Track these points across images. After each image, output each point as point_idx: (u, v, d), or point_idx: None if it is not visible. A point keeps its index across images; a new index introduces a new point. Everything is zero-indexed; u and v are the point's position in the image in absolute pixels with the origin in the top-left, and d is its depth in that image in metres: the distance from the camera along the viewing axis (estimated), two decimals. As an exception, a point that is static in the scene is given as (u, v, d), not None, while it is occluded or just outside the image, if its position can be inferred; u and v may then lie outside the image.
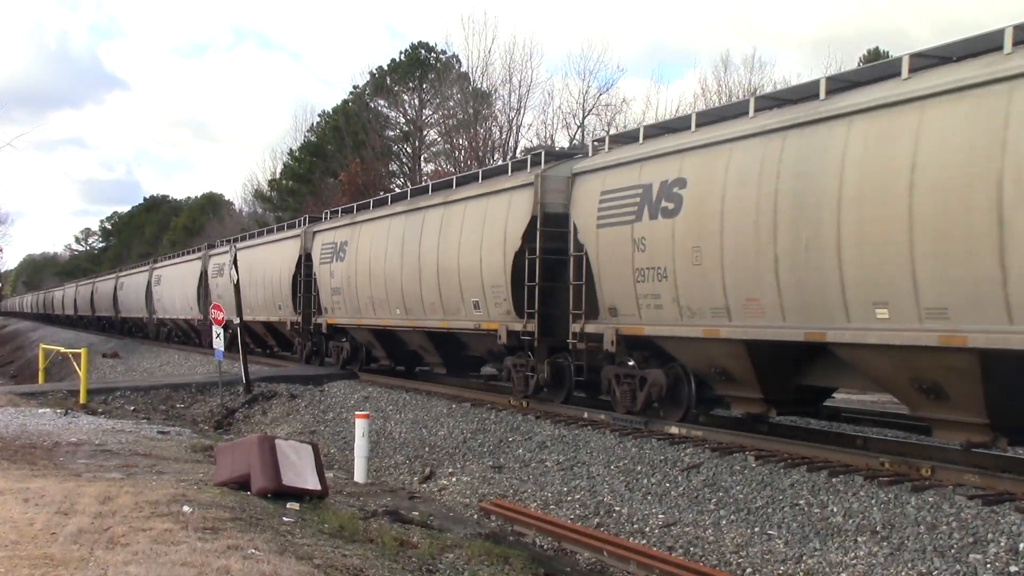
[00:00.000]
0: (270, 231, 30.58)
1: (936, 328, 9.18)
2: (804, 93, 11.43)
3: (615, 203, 13.55)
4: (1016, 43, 8.88)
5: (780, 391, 12.02)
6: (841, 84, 10.86)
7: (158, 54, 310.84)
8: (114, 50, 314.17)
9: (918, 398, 10.07)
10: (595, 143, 15.83)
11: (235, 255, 23.39)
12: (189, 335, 38.05)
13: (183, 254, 41.40)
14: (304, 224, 26.68)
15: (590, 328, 14.28)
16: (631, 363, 13.91)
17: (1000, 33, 9.06)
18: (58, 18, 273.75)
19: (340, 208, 26.03)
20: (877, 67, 10.84)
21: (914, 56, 9.98)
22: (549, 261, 15.28)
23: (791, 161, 10.75)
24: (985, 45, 9.41)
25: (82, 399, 19.05)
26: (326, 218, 25.56)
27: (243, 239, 33.02)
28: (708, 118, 12.85)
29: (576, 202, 14.65)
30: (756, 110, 11.81)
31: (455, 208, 17.99)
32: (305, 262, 25.23)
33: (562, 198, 15.01)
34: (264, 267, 27.81)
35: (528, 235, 15.41)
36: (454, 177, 20.55)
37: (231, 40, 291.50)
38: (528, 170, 16.14)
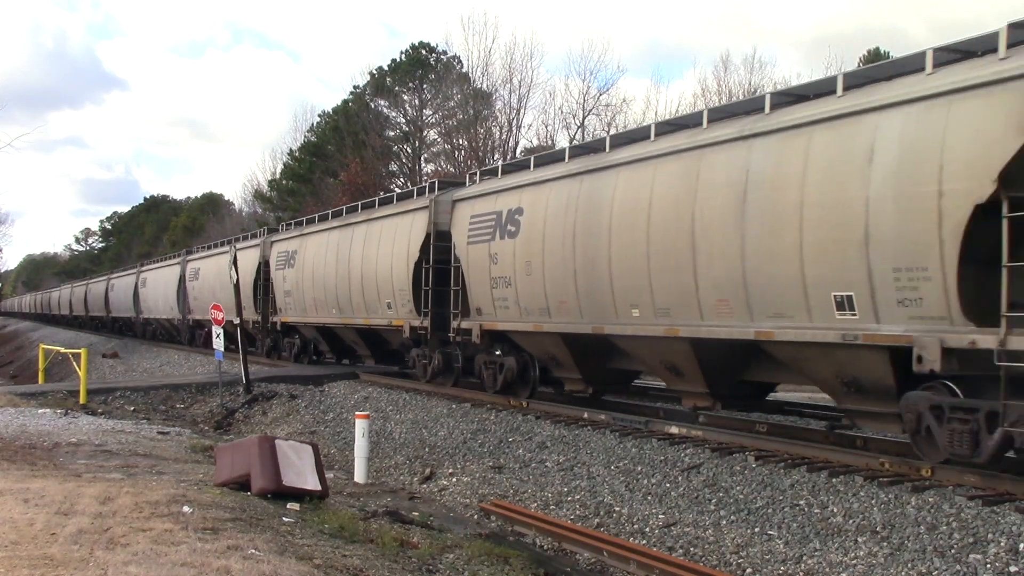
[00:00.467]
0: (237, 240, 34.00)
1: (663, 323, 12.72)
2: (599, 146, 15.05)
3: (479, 225, 17.10)
4: (774, 106, 11.58)
5: (595, 374, 15.44)
6: (621, 140, 14.53)
7: (156, 54, 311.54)
8: (113, 50, 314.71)
9: (668, 376, 13.66)
10: (470, 175, 19.44)
11: (235, 255, 23.56)
12: (171, 333, 41.01)
13: (165, 259, 44.69)
14: (264, 235, 30.14)
15: (465, 324, 17.62)
16: (497, 352, 17.09)
17: (762, 97, 12.23)
18: (56, 18, 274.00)
19: (293, 221, 30.20)
20: (640, 129, 14.70)
21: (660, 124, 14.00)
22: (441, 270, 18.47)
23: (584, 198, 14.20)
24: (751, 106, 12.53)
25: (82, 399, 19.05)
26: (282, 230, 29.41)
27: (214, 246, 36.53)
28: (542, 160, 16.58)
29: (455, 223, 17.91)
30: (570, 156, 15.38)
31: (375, 225, 21.65)
32: (264, 268, 28.77)
33: (448, 219, 18.34)
34: (215, 273, 31.45)
35: (424, 248, 18.80)
36: (376, 199, 24.27)
37: (229, 39, 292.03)
38: (426, 196, 19.65)
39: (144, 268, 47.62)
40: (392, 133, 50.82)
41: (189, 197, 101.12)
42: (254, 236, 32.16)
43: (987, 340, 8.70)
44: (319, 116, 55.74)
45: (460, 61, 47.10)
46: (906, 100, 9.57)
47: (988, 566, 7.69)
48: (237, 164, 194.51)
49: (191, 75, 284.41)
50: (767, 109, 11.58)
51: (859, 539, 8.70)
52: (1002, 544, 7.92)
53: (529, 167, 16.38)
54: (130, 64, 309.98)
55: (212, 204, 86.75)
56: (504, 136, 43.48)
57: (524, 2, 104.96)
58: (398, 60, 49.88)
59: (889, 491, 9.40)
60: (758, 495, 10.19)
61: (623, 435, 13.26)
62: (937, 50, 9.74)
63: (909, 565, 8.02)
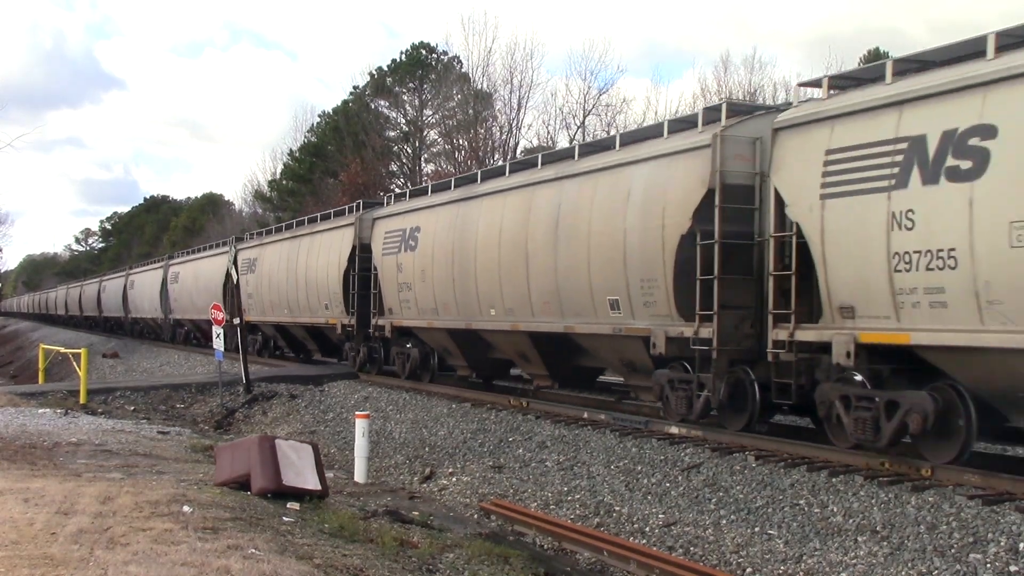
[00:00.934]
0: (209, 247, 37.79)
1: (510, 320, 16.20)
2: (473, 179, 18.65)
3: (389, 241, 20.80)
4: (581, 155, 15.35)
5: (477, 362, 18.82)
6: (487, 175, 18.24)
7: (155, 54, 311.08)
8: (111, 50, 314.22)
9: (521, 362, 17.37)
10: (387, 197, 23.22)
11: (235, 255, 23.63)
12: (156, 331, 44.22)
13: (150, 263, 48.73)
14: (232, 242, 32.13)
15: (380, 322, 21.04)
16: (408, 344, 20.39)
17: (611, 139, 15.51)
18: (55, 18, 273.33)
19: (255, 232, 33.84)
20: (498, 167, 19.33)
21: (512, 163, 18.62)
22: (364, 277, 22.06)
23: (460, 221, 17.68)
24: (566, 154, 16.13)
25: (82, 399, 19.06)
26: (246, 239, 33.04)
27: (194, 251, 40.73)
28: (437, 187, 20.33)
29: (374, 238, 21.48)
30: (455, 186, 19.16)
31: (316, 238, 25.34)
32: (233, 269, 31.12)
33: (369, 234, 21.86)
34: (206, 275, 34.84)
35: (351, 258, 22.46)
36: (318, 215, 27.62)
37: (227, 39, 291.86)
38: (353, 214, 23.41)
39: (132, 271, 50.71)
40: (392, 133, 50.83)
41: (189, 197, 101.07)
42: (224, 244, 34.95)
43: (687, 331, 12.24)
44: (319, 116, 55.82)
45: (460, 61, 47.16)
46: (650, 157, 13.24)
47: (988, 566, 7.69)
48: (236, 164, 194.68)
49: (189, 75, 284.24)
50: (576, 157, 15.24)
51: (859, 539, 8.70)
52: (1002, 544, 7.92)
53: (427, 193, 20.09)
54: (128, 64, 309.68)
55: (212, 204, 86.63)
56: (504, 136, 43.51)
57: (524, 2, 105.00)
58: (398, 60, 49.90)
59: (889, 491, 9.40)
60: (758, 495, 10.19)
61: (623, 435, 13.26)
62: (672, 121, 13.88)
63: (909, 565, 8.02)
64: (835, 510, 9.35)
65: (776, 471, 10.65)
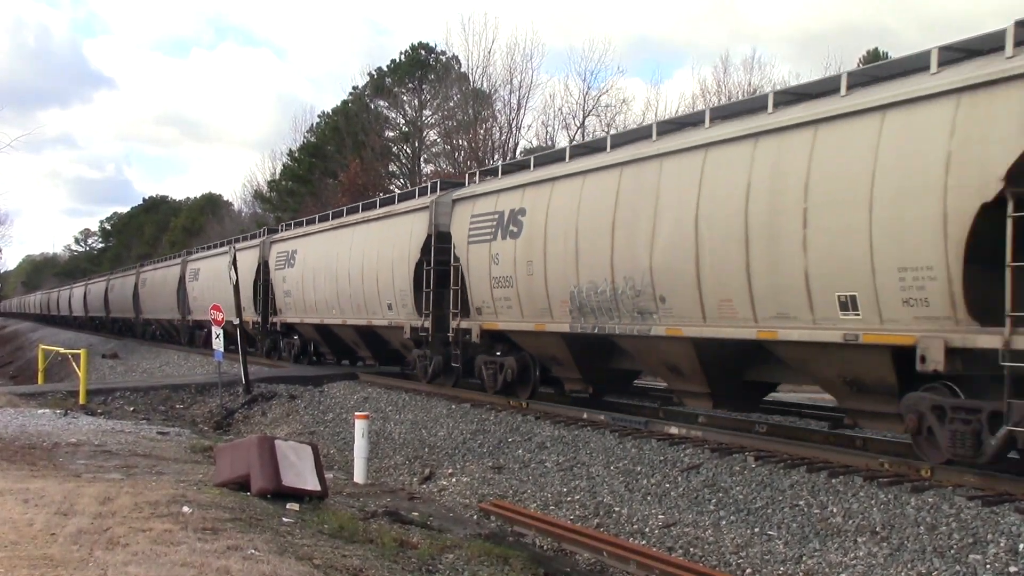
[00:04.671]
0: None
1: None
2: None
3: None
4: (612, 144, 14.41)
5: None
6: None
7: (143, 52, 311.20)
8: (99, 48, 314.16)
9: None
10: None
11: (234, 256, 23.56)
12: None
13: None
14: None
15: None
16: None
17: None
18: (38, 14, 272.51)
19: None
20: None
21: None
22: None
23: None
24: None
25: (81, 400, 19.05)
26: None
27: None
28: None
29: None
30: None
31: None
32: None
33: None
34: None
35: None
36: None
37: (213, 37, 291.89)
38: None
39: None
40: (392, 134, 50.83)
41: (188, 198, 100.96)
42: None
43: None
44: (319, 117, 55.81)
45: (459, 61, 47.18)
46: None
47: (988, 566, 7.69)
48: (227, 162, 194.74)
49: (178, 73, 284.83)
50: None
51: (859, 539, 8.70)
52: (1002, 544, 7.92)
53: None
54: (117, 62, 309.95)
55: (211, 205, 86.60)
56: (504, 137, 43.50)
57: (524, 2, 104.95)
58: (397, 60, 49.92)
59: (889, 491, 9.40)
60: (758, 495, 10.19)
61: (623, 435, 13.26)
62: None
63: (909, 565, 8.02)
64: (835, 511, 9.35)
65: (776, 472, 10.65)
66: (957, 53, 9.59)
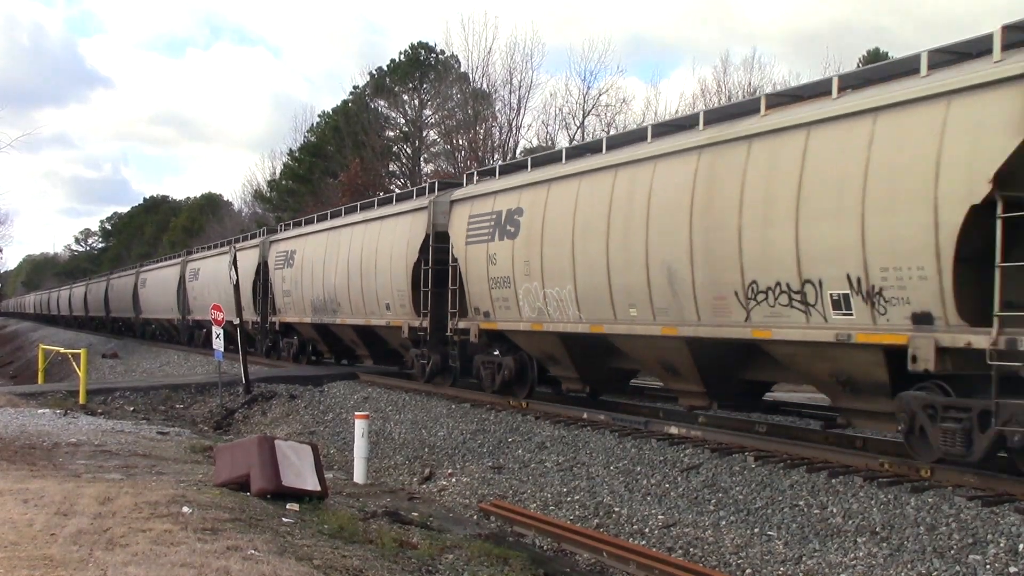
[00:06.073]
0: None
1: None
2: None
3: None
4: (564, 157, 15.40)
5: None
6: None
7: (138, 51, 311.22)
8: (94, 47, 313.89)
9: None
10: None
11: (234, 256, 23.59)
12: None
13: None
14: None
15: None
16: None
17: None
18: (32, 12, 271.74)
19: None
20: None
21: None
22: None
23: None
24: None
25: (81, 399, 19.05)
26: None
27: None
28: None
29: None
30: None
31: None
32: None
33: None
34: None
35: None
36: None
37: (209, 35, 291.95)
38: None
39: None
40: (392, 133, 50.82)
41: (188, 198, 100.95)
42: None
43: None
44: (319, 116, 55.80)
45: (459, 61, 47.18)
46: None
47: (988, 567, 7.69)
48: (223, 162, 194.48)
49: (174, 72, 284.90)
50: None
51: (858, 540, 8.70)
52: (1001, 545, 7.92)
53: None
54: (113, 61, 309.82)
55: (211, 205, 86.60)
56: (504, 136, 43.50)
57: (524, 2, 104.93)
58: (397, 60, 49.93)
59: (888, 492, 9.41)
60: (757, 496, 10.19)
61: (622, 435, 13.26)
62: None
63: (909, 566, 8.02)
64: (834, 511, 9.35)
65: (776, 472, 10.65)
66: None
